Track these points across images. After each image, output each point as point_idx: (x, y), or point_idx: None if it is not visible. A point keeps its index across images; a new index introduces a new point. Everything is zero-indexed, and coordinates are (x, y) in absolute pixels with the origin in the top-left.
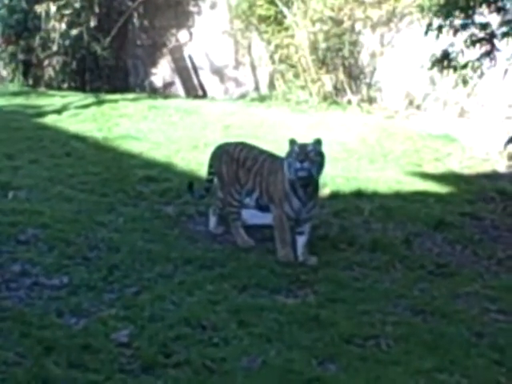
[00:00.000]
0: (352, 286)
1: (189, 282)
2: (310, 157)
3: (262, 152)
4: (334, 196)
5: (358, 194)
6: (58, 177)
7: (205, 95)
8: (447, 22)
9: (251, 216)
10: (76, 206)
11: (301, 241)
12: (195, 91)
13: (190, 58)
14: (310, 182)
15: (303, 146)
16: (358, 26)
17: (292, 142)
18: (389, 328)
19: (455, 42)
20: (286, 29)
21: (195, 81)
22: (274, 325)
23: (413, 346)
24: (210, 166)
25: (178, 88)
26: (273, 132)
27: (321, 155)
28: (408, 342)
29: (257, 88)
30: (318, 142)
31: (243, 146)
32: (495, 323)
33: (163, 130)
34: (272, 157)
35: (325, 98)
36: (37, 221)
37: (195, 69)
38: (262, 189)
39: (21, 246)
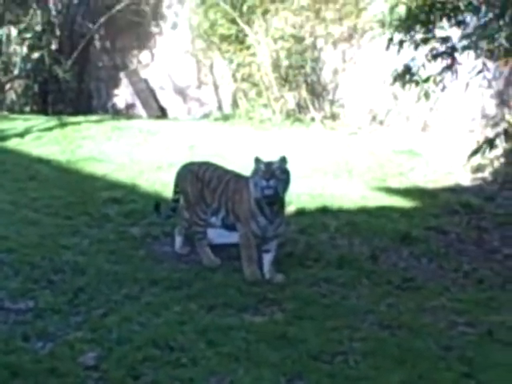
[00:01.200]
0: (319, 302)
1: (156, 302)
2: (275, 175)
3: (226, 172)
4: (300, 213)
5: (324, 211)
6: (22, 201)
7: (165, 116)
8: (408, 37)
9: (217, 235)
10: (41, 229)
11: (267, 258)
12: (155, 112)
13: (146, 81)
14: (276, 200)
15: (269, 164)
16: (320, 43)
17: (257, 161)
18: (357, 344)
19: (416, 57)
20: (248, 47)
21: (153, 103)
22: (242, 344)
23: (381, 361)
24: (176, 185)
25: (139, 109)
26: (237, 151)
27: (286, 173)
28: (376, 357)
29: (220, 107)
30: (283, 160)
31: (208, 165)
32: (463, 336)
33: (127, 152)
34: (237, 176)
35: (288, 116)
36: (2, 245)
37: (152, 92)
38: (227, 208)
39: None
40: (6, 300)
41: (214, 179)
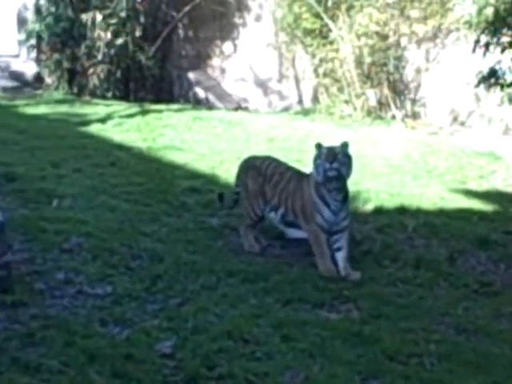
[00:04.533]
0: (395, 302)
1: (232, 294)
2: (338, 158)
3: (288, 168)
4: (378, 211)
5: (402, 210)
6: (102, 186)
7: (241, 108)
8: (495, 40)
9: (293, 229)
10: (120, 215)
11: (340, 256)
12: (232, 105)
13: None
14: (339, 186)
15: (331, 148)
16: (404, 41)
17: (319, 146)
18: (432, 346)
19: (503, 60)
20: (331, 42)
21: (229, 97)
22: (317, 340)
23: (456, 366)
24: (238, 178)
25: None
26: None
27: (348, 157)
28: (451, 361)
29: (300, 101)
30: (345, 145)
31: (271, 161)
32: None
33: (207, 141)
34: (298, 173)
35: (369, 113)
36: (81, 230)
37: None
38: (287, 206)
39: (65, 254)
40: (84, 284)
41: (275, 175)
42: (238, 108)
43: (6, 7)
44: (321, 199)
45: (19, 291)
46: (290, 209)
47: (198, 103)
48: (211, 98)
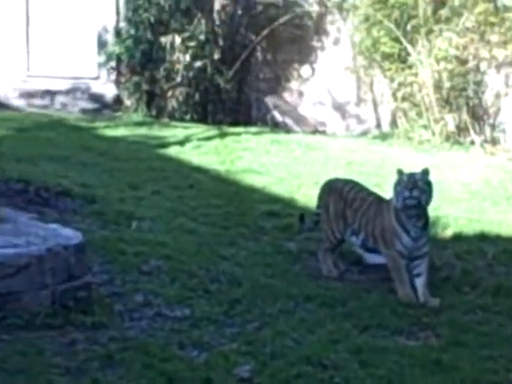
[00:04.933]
0: (475, 329)
1: (310, 319)
2: (418, 185)
3: (370, 193)
4: (457, 237)
5: (481, 237)
6: (181, 208)
7: (319, 132)
8: None
9: (371, 255)
10: (198, 238)
11: (420, 282)
12: (309, 129)
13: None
14: (418, 213)
15: (411, 175)
16: (483, 66)
17: (400, 172)
18: None
19: None
20: (410, 67)
21: (306, 120)
22: (396, 367)
23: None
24: (319, 200)
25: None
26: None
27: (429, 184)
28: None
29: (378, 125)
30: (425, 172)
31: (353, 185)
32: None
33: (285, 165)
34: (379, 199)
35: (447, 138)
36: (160, 252)
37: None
38: (367, 231)
39: (144, 276)
40: (163, 307)
41: (357, 200)
42: (316, 132)
43: (87, 30)
44: (400, 225)
45: (99, 313)
46: (370, 234)
47: (276, 126)
48: (288, 121)
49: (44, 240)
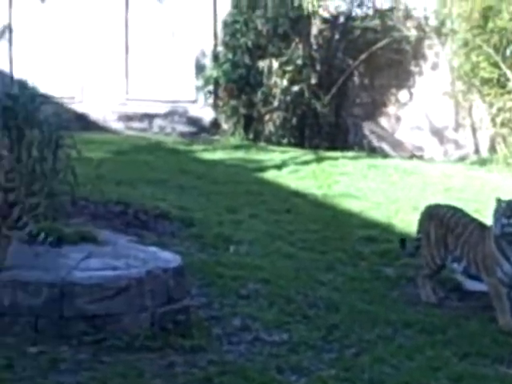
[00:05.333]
0: None
1: (409, 346)
2: None
3: (472, 220)
4: None
5: None
6: (278, 232)
7: (416, 157)
8: None
9: (471, 282)
10: (296, 262)
11: None
12: (406, 154)
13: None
14: None
15: (510, 203)
16: None
17: (499, 200)
18: None
19: None
20: (509, 92)
21: (403, 145)
22: None
23: None
24: (420, 225)
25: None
26: (494, 197)
27: None
28: None
29: (477, 151)
30: None
31: (454, 211)
32: None
33: (383, 190)
34: (481, 225)
35: None
36: (257, 276)
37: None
38: (469, 259)
39: (242, 300)
40: (261, 331)
41: (459, 226)
42: (413, 157)
43: (185, 54)
44: (501, 253)
45: (197, 336)
46: (472, 261)
47: (373, 151)
48: (385, 146)
49: (143, 262)
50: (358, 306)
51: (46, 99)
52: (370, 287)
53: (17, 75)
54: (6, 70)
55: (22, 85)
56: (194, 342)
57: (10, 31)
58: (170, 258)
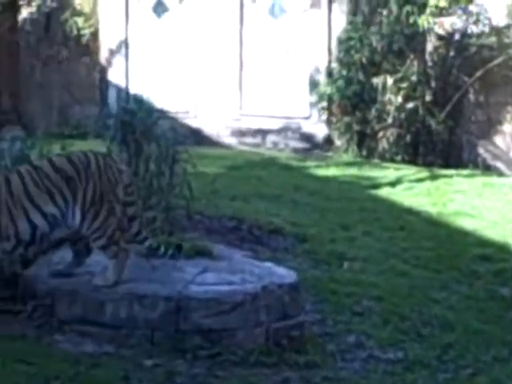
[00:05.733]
0: None
1: None
2: None
3: None
4: None
5: None
6: (392, 250)
7: None
8: None
9: None
10: (410, 280)
11: None
12: None
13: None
14: None
15: None
16: None
17: None
18: None
19: None
20: None
21: None
22: None
23: None
24: None
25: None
26: None
27: None
28: None
29: None
30: None
31: None
32: None
33: (498, 209)
34: None
35: None
36: (371, 293)
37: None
38: None
39: (356, 317)
40: (375, 349)
41: None
42: None
43: (299, 70)
44: None
45: (312, 352)
46: None
47: (487, 169)
48: (500, 165)
49: (259, 278)
50: (473, 326)
51: (162, 114)
52: (485, 307)
53: (132, 90)
54: (122, 84)
55: (138, 99)
56: (308, 358)
57: (127, 46)
58: (285, 274)
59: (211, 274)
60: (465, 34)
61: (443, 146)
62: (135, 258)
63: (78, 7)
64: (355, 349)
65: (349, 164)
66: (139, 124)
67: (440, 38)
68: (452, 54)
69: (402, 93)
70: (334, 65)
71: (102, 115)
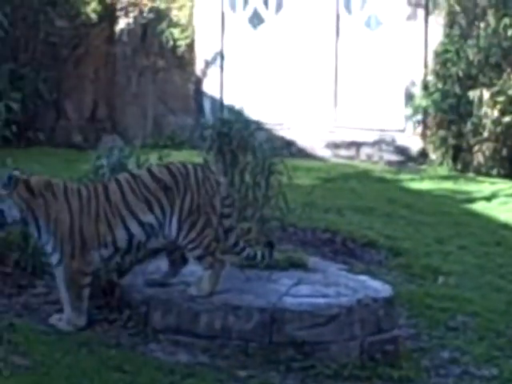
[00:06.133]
0: None
1: None
2: None
3: None
4: None
5: None
6: (488, 265)
7: None
8: None
9: None
10: (506, 296)
11: None
12: None
13: None
14: None
15: None
16: None
17: None
18: None
19: None
20: None
21: None
22: None
23: None
24: None
25: None
26: None
27: None
28: None
29: None
30: None
31: None
32: None
33: None
34: None
35: None
36: (466, 308)
37: None
38: None
39: (451, 332)
40: (470, 365)
41: None
42: None
43: (395, 83)
44: None
45: (406, 367)
46: None
47: None
48: None
49: (354, 291)
50: None
51: (258, 125)
52: None
53: (226, 101)
54: (217, 95)
55: (233, 110)
56: (402, 372)
57: (222, 58)
58: (379, 288)
59: (305, 286)
60: None
61: None
62: (230, 268)
63: (175, 18)
64: (449, 364)
65: (443, 178)
66: (236, 135)
67: None
68: None
69: (498, 106)
70: (430, 78)
71: (199, 126)
